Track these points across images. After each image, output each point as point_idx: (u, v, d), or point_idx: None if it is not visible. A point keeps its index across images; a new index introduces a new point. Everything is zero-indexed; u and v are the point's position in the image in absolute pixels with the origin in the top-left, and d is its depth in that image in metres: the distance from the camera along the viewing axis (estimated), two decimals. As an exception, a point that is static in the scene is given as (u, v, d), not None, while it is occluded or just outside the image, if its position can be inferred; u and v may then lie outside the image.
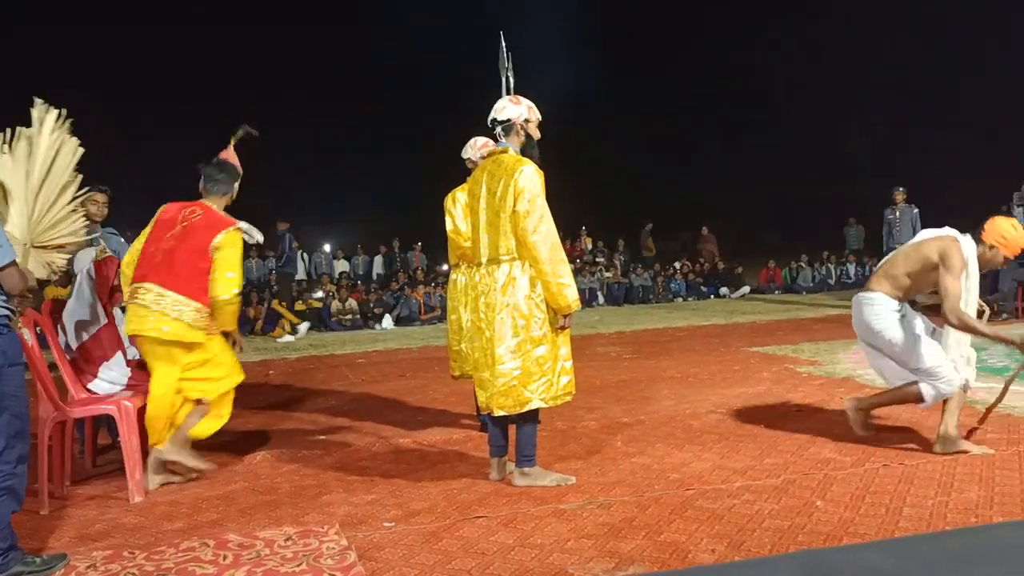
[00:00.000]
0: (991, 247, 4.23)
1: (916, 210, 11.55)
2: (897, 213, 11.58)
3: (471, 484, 4.06)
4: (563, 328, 3.94)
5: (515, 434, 4.02)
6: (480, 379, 3.99)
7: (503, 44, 5.08)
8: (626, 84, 27.05)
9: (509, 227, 3.83)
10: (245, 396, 7.23)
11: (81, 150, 4.47)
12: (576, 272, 16.59)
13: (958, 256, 4.09)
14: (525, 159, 3.93)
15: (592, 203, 22.58)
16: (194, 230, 4.31)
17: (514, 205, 3.80)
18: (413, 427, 5.52)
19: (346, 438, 5.34)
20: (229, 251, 4.31)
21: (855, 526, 3.22)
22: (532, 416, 3.93)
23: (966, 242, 4.18)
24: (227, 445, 5.26)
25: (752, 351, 8.37)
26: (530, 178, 3.82)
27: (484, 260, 3.95)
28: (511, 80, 5.39)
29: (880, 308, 4.33)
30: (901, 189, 11.59)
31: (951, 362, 4.20)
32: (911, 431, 4.65)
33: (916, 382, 4.23)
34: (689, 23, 27.57)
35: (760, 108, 26.04)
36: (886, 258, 4.56)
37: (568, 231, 18.71)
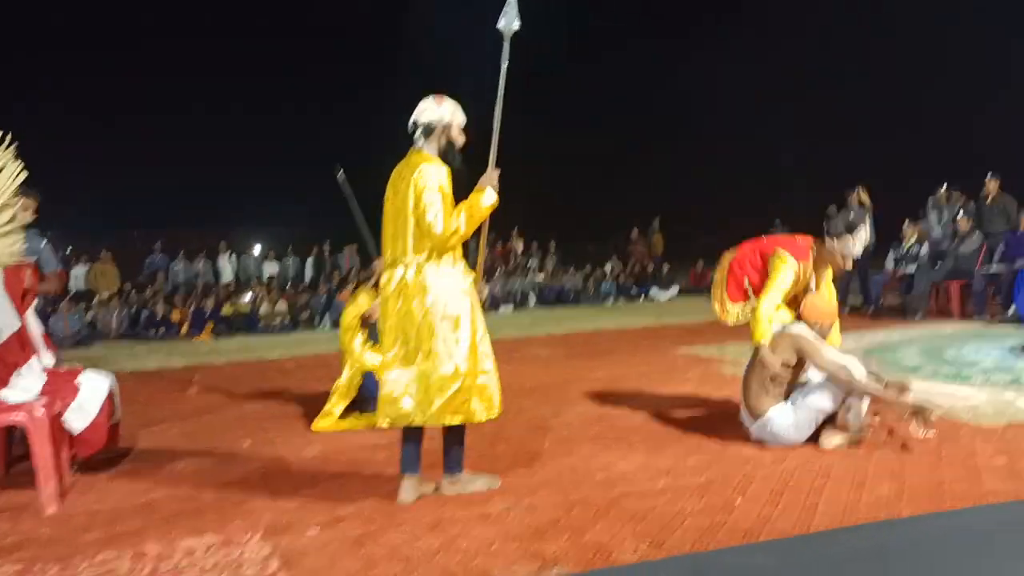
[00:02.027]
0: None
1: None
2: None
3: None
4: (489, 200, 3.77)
5: (444, 441, 3.93)
6: (399, 388, 3.75)
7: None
8: (558, 85, 27.28)
9: (411, 227, 3.71)
10: (169, 402, 7.09)
11: (23, 174, 4.29)
12: (507, 274, 16.67)
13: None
14: (429, 156, 3.79)
15: (524, 204, 22.68)
16: None
17: (416, 205, 3.69)
18: (343, 432, 5.46)
19: (274, 443, 5.25)
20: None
21: (773, 523, 3.32)
22: (461, 427, 3.90)
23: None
24: (149, 452, 5.14)
25: (680, 352, 8.53)
26: (427, 178, 3.69)
27: (398, 261, 3.80)
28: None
29: None
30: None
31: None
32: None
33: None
34: (620, 25, 27.97)
35: (690, 111, 26.59)
36: None
37: (499, 232, 18.77)
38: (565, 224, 21.28)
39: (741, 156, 25.64)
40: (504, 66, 4.12)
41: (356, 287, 6.32)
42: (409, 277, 3.73)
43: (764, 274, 4.78)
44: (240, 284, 16.06)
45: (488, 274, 16.18)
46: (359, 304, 5.76)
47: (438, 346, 3.71)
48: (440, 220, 3.67)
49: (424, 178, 3.70)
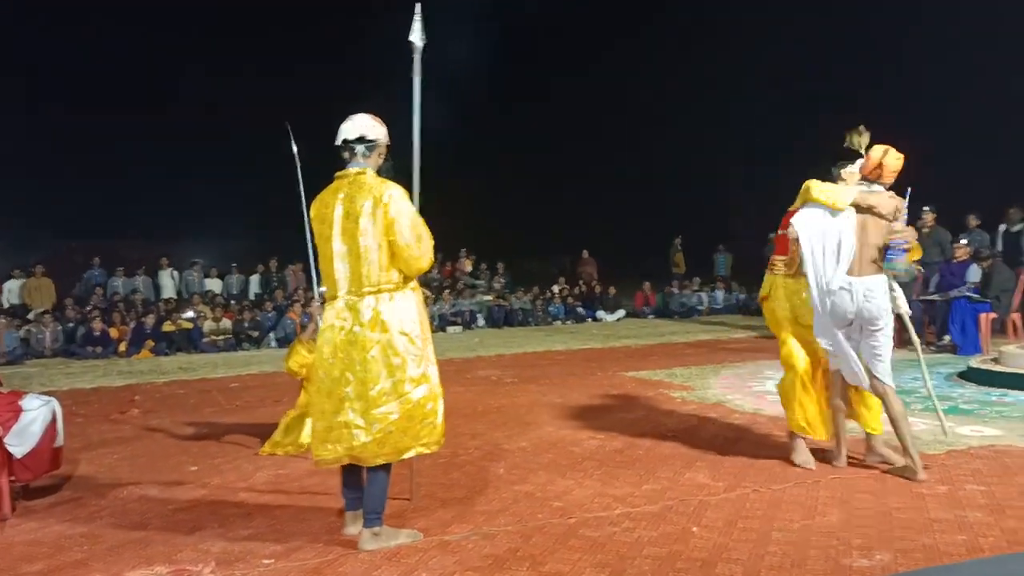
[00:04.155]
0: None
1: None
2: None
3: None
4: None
5: (366, 486, 3.62)
6: (322, 430, 3.56)
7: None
8: (508, 108, 27.50)
9: (378, 255, 3.52)
10: (109, 423, 6.88)
11: None
12: (456, 294, 16.63)
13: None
14: (388, 181, 3.64)
15: (473, 225, 22.73)
16: None
17: (388, 233, 3.51)
18: (292, 457, 5.36)
19: (221, 468, 5.13)
20: None
21: (729, 552, 3.36)
22: (386, 468, 3.58)
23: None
24: (91, 477, 4.98)
25: (629, 376, 8.61)
26: (401, 201, 3.55)
27: (342, 292, 3.57)
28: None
29: (884, 292, 4.46)
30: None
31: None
32: (778, 452, 4.90)
33: (876, 380, 4.43)
34: (571, 50, 28.32)
35: (637, 135, 27.03)
36: (843, 249, 4.46)
37: (448, 253, 18.74)
38: (514, 245, 21.34)
39: (690, 177, 26.06)
40: (416, 80, 4.21)
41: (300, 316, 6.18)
42: (385, 305, 3.53)
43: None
44: (182, 300, 15.67)
45: (436, 294, 16.13)
46: (301, 356, 5.51)
47: (427, 370, 3.59)
48: (426, 247, 3.59)
49: (399, 202, 3.55)
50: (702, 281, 18.36)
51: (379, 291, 3.54)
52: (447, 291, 16.56)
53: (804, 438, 4.76)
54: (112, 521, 4.10)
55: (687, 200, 25.29)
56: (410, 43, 4.30)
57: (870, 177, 4.49)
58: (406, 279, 3.64)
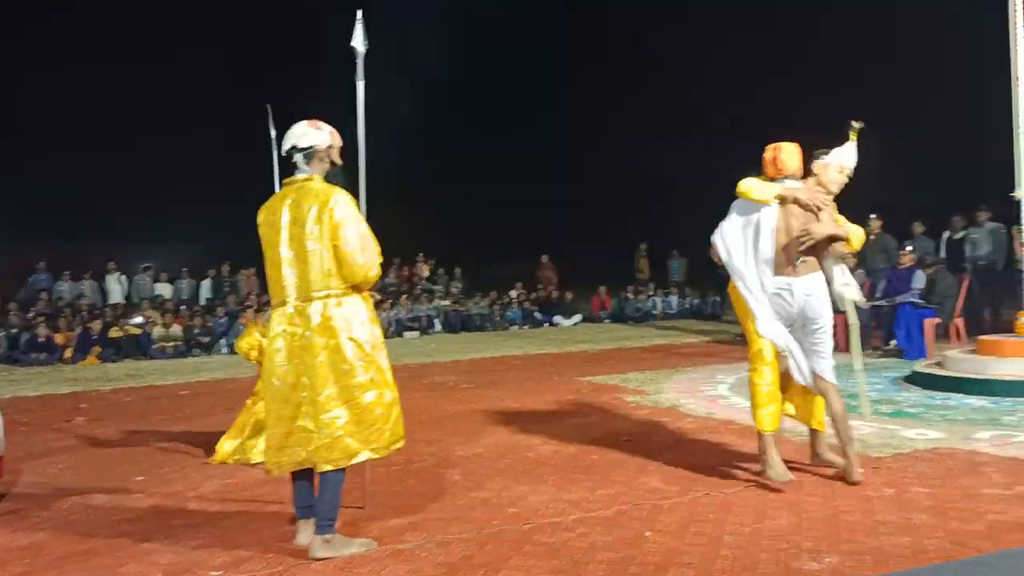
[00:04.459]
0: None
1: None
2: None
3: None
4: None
5: (318, 492, 3.58)
6: (280, 435, 3.54)
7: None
8: (466, 108, 27.49)
9: (324, 261, 3.51)
10: (53, 432, 6.70)
11: None
12: (413, 299, 16.55)
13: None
14: (335, 186, 3.64)
15: (431, 229, 22.65)
16: None
17: (335, 240, 3.51)
18: (242, 466, 5.27)
19: (168, 479, 5.03)
20: None
21: (681, 556, 3.39)
22: (340, 475, 3.53)
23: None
24: (34, 487, 4.85)
25: (584, 380, 8.65)
26: (347, 207, 3.55)
27: (291, 298, 3.57)
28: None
29: (824, 290, 4.50)
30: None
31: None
32: (730, 456, 4.96)
33: (819, 378, 4.44)
34: (527, 51, 28.43)
35: (591, 137, 27.26)
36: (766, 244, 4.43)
37: (406, 257, 18.65)
38: (471, 250, 21.30)
39: (645, 181, 26.29)
40: (360, 84, 4.23)
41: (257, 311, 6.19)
42: (332, 311, 3.53)
43: None
44: (130, 305, 15.33)
45: (393, 299, 16.03)
46: (252, 338, 5.45)
47: (376, 376, 3.57)
48: (371, 256, 3.57)
49: (345, 208, 3.55)
50: (657, 286, 18.54)
51: (327, 296, 3.54)
52: (404, 296, 16.47)
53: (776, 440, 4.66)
54: (56, 533, 3.99)
55: (643, 205, 25.55)
56: (352, 48, 4.32)
57: (777, 176, 4.50)
58: (359, 286, 3.62)
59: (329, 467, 3.50)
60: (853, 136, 4.65)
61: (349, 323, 3.54)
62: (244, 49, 24.12)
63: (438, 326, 16.29)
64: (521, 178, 28.10)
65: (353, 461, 3.54)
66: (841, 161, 4.61)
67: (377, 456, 3.61)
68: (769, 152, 4.53)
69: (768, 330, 4.41)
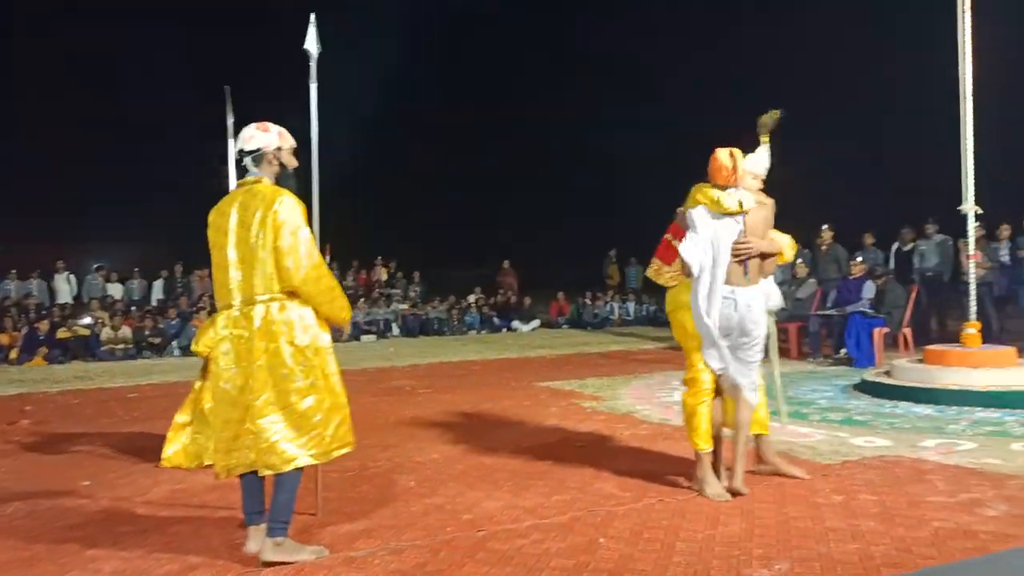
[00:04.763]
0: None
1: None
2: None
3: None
4: (341, 337, 3.72)
5: (271, 495, 3.52)
6: (228, 438, 3.49)
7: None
8: (429, 113, 27.42)
9: (267, 263, 3.46)
10: (-5, 437, 6.50)
11: None
12: (371, 303, 16.43)
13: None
14: (283, 189, 3.59)
15: (390, 232, 22.55)
16: None
17: (275, 241, 3.45)
18: (191, 471, 5.18)
19: (116, 483, 4.92)
20: None
21: (635, 562, 3.41)
22: (292, 478, 3.49)
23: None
24: (-29, 495, 4.70)
25: (542, 386, 8.67)
26: (291, 210, 3.48)
27: (236, 302, 3.52)
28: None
29: (763, 304, 4.49)
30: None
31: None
32: (684, 463, 5.00)
33: (740, 391, 4.47)
34: (494, 54, 28.50)
35: (554, 142, 27.41)
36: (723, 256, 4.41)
37: (363, 261, 18.52)
38: (429, 253, 21.25)
39: (608, 187, 26.46)
40: (313, 87, 4.23)
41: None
42: (275, 315, 3.48)
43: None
44: (79, 306, 14.97)
45: (351, 302, 15.90)
46: (208, 338, 5.30)
47: (317, 381, 3.52)
48: (306, 264, 3.48)
49: (288, 211, 3.49)
50: (614, 292, 18.65)
51: (270, 300, 3.50)
52: (362, 299, 16.35)
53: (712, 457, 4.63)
54: (-5, 540, 3.87)
55: (604, 211, 25.74)
56: (305, 51, 4.31)
57: (728, 184, 4.41)
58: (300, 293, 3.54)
59: (269, 472, 3.46)
60: (764, 139, 4.70)
61: (291, 327, 3.49)
62: (207, 45, 23.81)
63: (396, 330, 16.20)
64: (482, 182, 28.15)
65: (291, 466, 3.45)
66: (755, 168, 4.62)
67: (317, 462, 3.55)
68: (728, 160, 4.44)
69: (708, 354, 4.45)
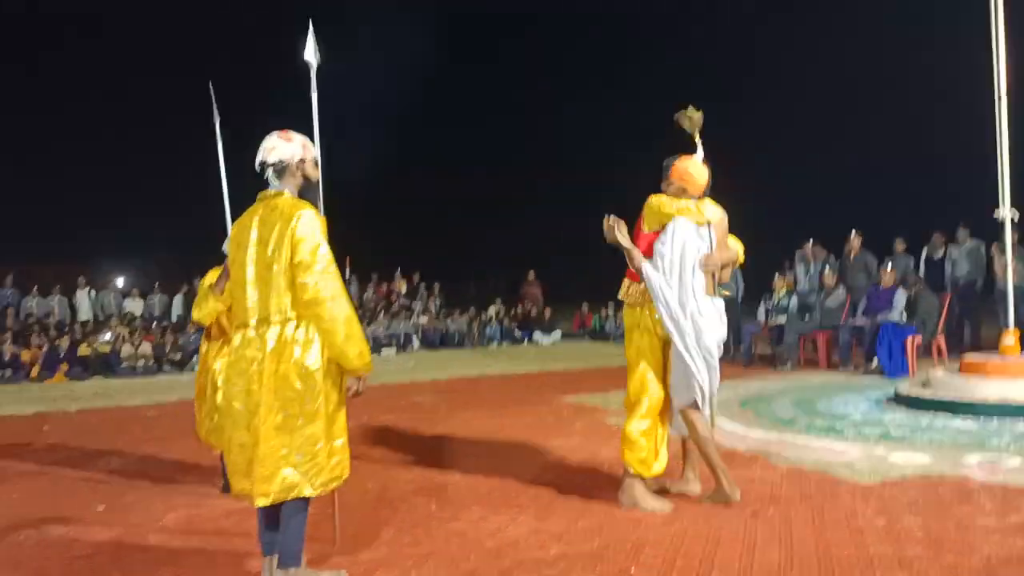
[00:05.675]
0: (673, 184, 4.45)
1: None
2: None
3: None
4: (356, 394, 3.44)
5: (285, 517, 3.34)
6: (243, 462, 3.34)
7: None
8: (449, 127, 27.43)
9: (284, 282, 3.31)
10: (13, 455, 6.42)
11: None
12: (391, 316, 16.33)
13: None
14: (303, 203, 3.43)
15: (410, 245, 22.47)
16: None
17: (292, 257, 3.29)
18: (208, 494, 5.05)
19: (130, 508, 4.80)
20: None
21: (668, 594, 3.22)
22: (301, 506, 3.33)
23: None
24: (-18, 521, 4.59)
25: (565, 401, 8.48)
26: (309, 225, 3.32)
27: (252, 322, 3.36)
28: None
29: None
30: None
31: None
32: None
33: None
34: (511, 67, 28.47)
35: (575, 155, 27.29)
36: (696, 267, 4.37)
37: (383, 273, 18.43)
38: (450, 266, 21.14)
39: (626, 199, 26.34)
40: (314, 97, 4.14)
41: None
42: (289, 335, 3.31)
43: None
44: (99, 322, 14.99)
45: (371, 316, 15.81)
46: (211, 306, 4.97)
47: (323, 407, 3.34)
48: (317, 278, 3.29)
49: (307, 225, 3.32)
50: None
51: (285, 320, 3.33)
52: (382, 313, 16.25)
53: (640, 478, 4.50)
54: (5, 570, 3.75)
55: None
56: (305, 62, 4.20)
57: (695, 194, 4.40)
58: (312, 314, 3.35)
59: (265, 500, 3.26)
60: (697, 138, 4.59)
61: (304, 348, 3.31)
62: (213, 60, 23.95)
63: (416, 343, 16.08)
64: (504, 193, 28.07)
65: (292, 496, 3.28)
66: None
67: (316, 493, 3.33)
68: (702, 172, 4.41)
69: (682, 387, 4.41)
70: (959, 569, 3.37)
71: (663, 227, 4.44)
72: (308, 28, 4.32)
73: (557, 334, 17.39)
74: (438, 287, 18.71)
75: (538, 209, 27.85)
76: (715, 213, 4.44)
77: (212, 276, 4.90)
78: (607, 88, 26.66)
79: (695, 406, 4.42)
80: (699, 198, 4.46)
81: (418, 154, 26.69)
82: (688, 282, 4.29)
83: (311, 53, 4.24)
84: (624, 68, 26.47)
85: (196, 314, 5.09)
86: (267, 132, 3.53)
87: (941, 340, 10.22)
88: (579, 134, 27.18)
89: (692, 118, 4.59)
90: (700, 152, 4.59)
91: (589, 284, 21.38)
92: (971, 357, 7.65)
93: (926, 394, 7.24)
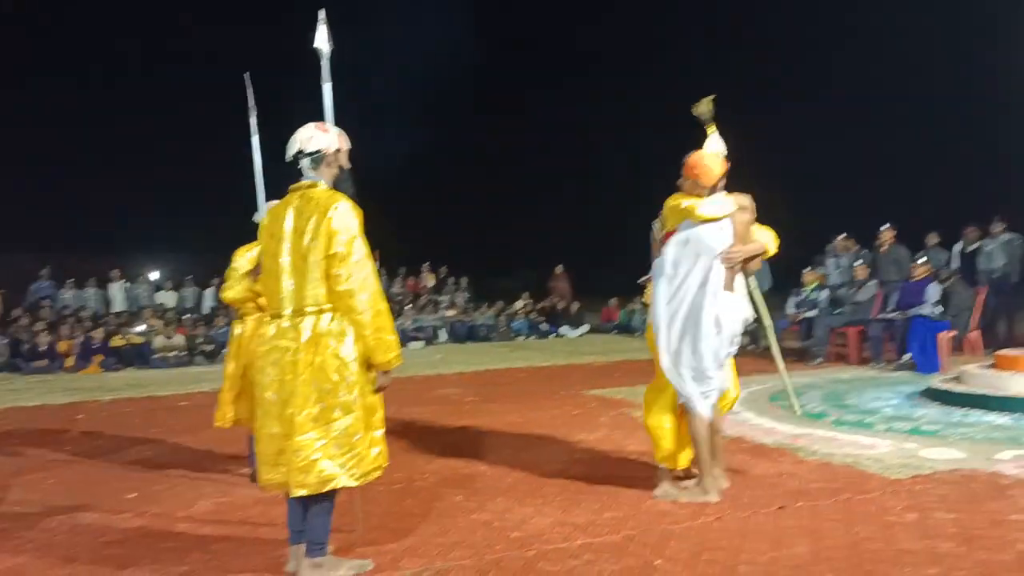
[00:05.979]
0: (687, 180, 4.40)
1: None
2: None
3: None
4: (381, 388, 3.43)
5: (308, 509, 3.37)
6: (272, 453, 3.35)
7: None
8: (479, 121, 27.43)
9: (319, 273, 3.30)
10: (48, 444, 6.54)
11: None
12: (419, 309, 16.39)
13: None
14: (340, 194, 3.42)
15: (438, 239, 22.52)
16: None
17: (327, 248, 3.28)
18: (236, 483, 5.11)
19: (160, 496, 4.87)
20: None
21: (693, 587, 3.20)
22: (328, 496, 3.34)
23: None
24: (21, 505, 4.71)
25: (591, 394, 8.46)
26: (346, 216, 3.30)
27: (287, 312, 3.36)
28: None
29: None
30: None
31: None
32: (741, 475, 4.76)
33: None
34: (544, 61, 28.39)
35: (601, 150, 27.14)
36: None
37: (411, 267, 18.50)
38: (478, 259, 21.16)
39: (652, 195, 26.20)
40: (327, 86, 4.08)
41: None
42: (324, 326, 3.31)
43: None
44: (133, 314, 15.21)
45: (399, 309, 15.88)
46: (244, 288, 5.10)
47: (360, 398, 3.34)
48: (352, 270, 3.28)
49: (343, 217, 3.31)
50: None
51: (320, 311, 3.33)
52: (410, 306, 16.32)
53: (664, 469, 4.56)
54: (37, 555, 3.82)
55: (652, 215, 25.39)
56: (316, 50, 4.17)
57: (713, 189, 4.34)
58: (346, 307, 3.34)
59: (303, 491, 3.26)
60: (711, 128, 4.51)
61: (339, 339, 3.31)
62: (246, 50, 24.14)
63: (443, 336, 16.13)
64: (531, 187, 28.01)
65: (329, 487, 3.28)
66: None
67: (356, 483, 3.35)
68: (719, 166, 4.35)
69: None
70: (991, 565, 3.31)
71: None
72: (319, 15, 4.26)
73: (584, 328, 17.34)
74: (466, 280, 18.74)
75: (566, 203, 27.77)
76: (729, 205, 4.31)
77: (242, 252, 4.96)
78: (638, 83, 26.46)
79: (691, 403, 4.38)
80: (716, 189, 4.37)
81: (450, 146, 26.71)
82: (689, 287, 4.29)
83: (322, 41, 4.21)
84: (651, 62, 26.29)
85: (228, 294, 5.13)
86: (300, 124, 3.54)
87: (975, 335, 10.03)
88: (611, 128, 27.00)
89: (701, 107, 4.53)
90: (714, 142, 4.52)
91: (616, 278, 21.33)
92: (1005, 352, 7.50)
93: (959, 389, 7.11)
